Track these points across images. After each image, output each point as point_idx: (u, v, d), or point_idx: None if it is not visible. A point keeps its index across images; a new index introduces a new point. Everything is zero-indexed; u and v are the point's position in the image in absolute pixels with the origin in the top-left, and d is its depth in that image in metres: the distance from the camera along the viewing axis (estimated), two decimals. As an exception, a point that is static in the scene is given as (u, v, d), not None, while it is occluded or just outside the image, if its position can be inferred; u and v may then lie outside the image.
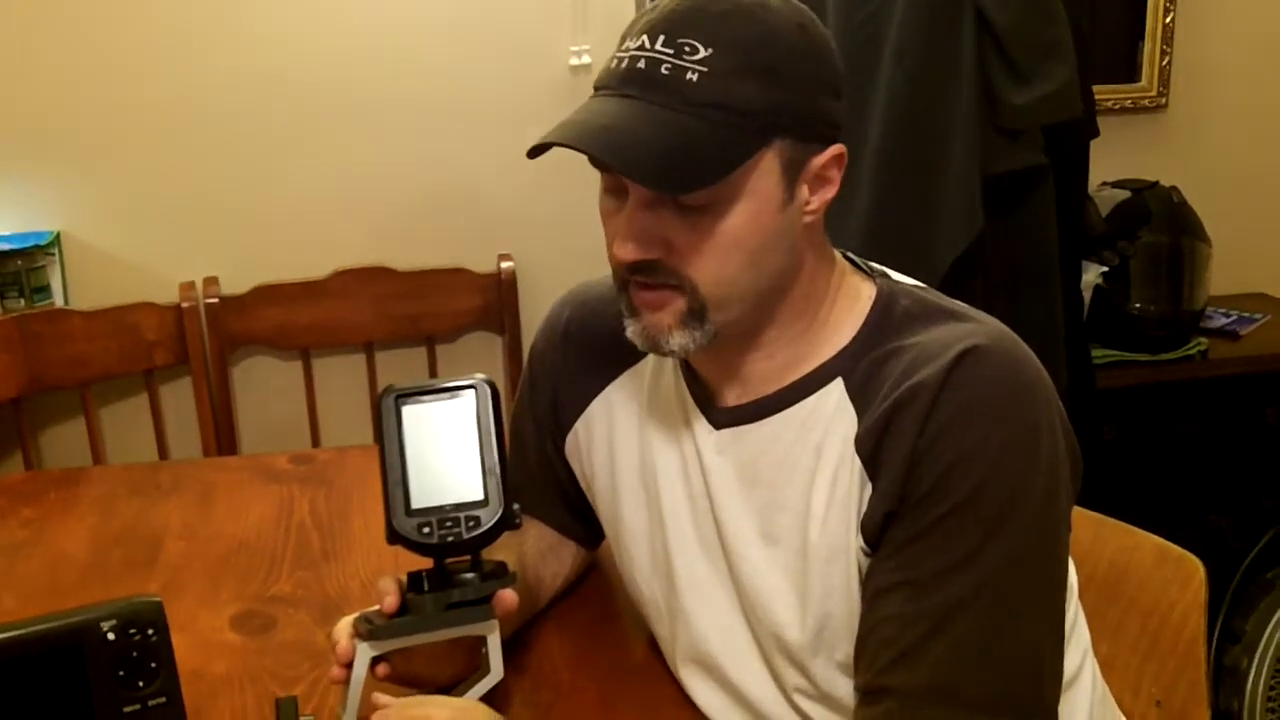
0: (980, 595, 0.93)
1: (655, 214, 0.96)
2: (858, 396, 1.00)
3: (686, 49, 0.93)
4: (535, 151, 0.96)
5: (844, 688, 1.03)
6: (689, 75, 0.93)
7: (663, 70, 0.93)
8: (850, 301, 1.05)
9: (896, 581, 0.96)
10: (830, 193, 1.02)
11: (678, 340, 0.99)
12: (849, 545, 1.00)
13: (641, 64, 0.94)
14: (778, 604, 1.05)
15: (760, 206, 0.97)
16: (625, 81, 0.95)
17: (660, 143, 0.92)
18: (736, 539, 1.07)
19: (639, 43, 0.95)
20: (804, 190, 0.99)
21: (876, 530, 0.98)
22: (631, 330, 1.02)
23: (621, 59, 0.96)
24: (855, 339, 1.03)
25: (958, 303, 1.06)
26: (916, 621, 0.95)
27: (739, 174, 0.94)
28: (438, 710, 0.97)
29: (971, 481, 0.93)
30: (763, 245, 0.98)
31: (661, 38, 0.94)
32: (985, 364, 0.95)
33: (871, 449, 0.98)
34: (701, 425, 1.09)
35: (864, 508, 0.99)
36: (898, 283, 1.08)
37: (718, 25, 0.94)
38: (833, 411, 1.01)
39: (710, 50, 0.93)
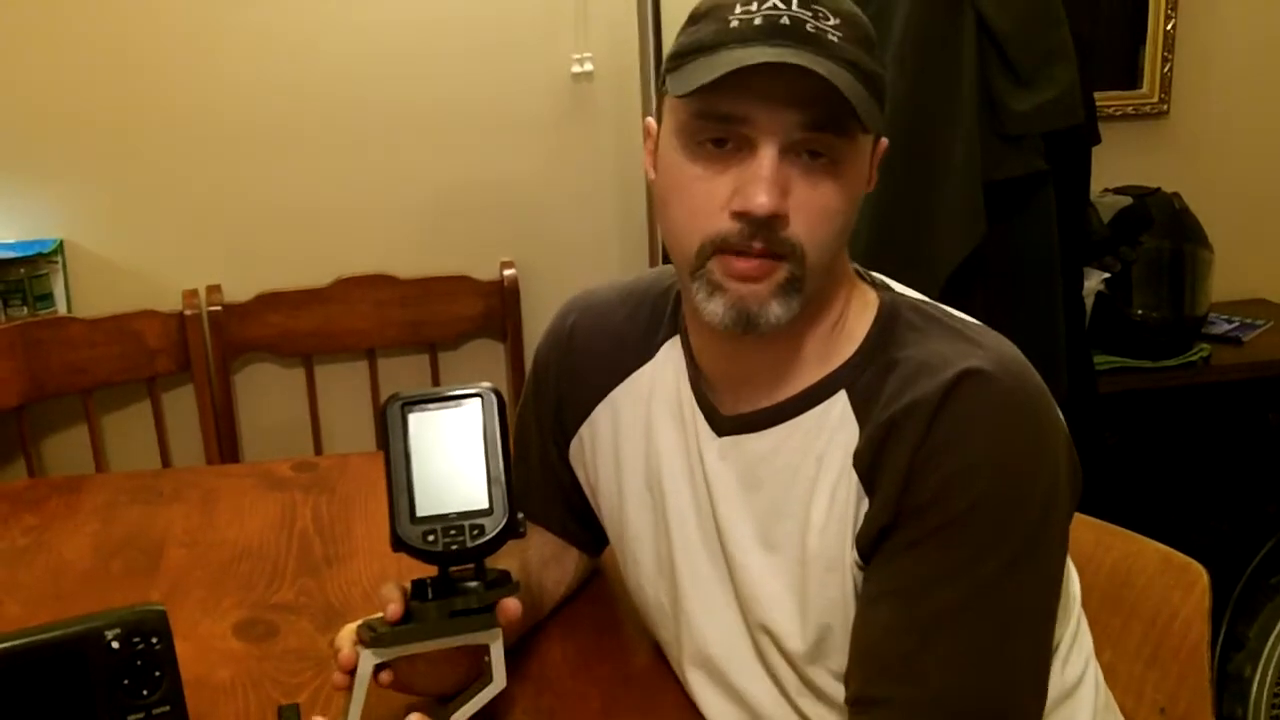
0: (970, 608, 0.94)
1: (783, 169, 0.94)
2: (861, 409, 1.00)
3: (821, 13, 0.94)
4: (720, 80, 0.91)
5: (844, 694, 1.04)
6: (830, 36, 0.94)
7: (808, 29, 0.93)
8: (859, 309, 1.06)
9: (887, 591, 0.96)
10: (871, 185, 1.03)
11: (774, 311, 0.96)
12: (845, 557, 1.00)
13: (785, 20, 0.93)
14: (777, 611, 1.05)
15: (859, 175, 0.99)
16: (771, 34, 0.93)
17: (843, 81, 0.92)
18: (737, 545, 1.07)
19: (770, 4, 0.94)
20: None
21: (870, 544, 0.98)
22: (714, 307, 0.97)
23: (751, 17, 0.94)
24: (859, 350, 1.03)
25: (960, 316, 1.05)
26: (905, 632, 0.95)
27: (862, 137, 0.96)
28: None
29: (967, 498, 0.93)
30: (851, 217, 0.99)
31: (795, 1, 0.94)
32: (985, 387, 0.95)
33: (868, 463, 0.98)
34: (705, 431, 1.09)
35: (859, 522, 0.99)
36: (900, 294, 1.08)
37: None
38: (836, 423, 1.01)
39: (838, 19, 0.95)
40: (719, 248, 0.96)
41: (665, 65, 1.01)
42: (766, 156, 0.93)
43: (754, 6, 0.94)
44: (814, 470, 1.02)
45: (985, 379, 0.95)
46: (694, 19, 0.99)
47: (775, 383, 1.05)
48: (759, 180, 0.93)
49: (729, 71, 0.90)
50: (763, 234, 0.94)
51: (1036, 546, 0.96)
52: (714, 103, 0.94)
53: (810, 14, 0.94)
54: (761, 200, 0.92)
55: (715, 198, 0.96)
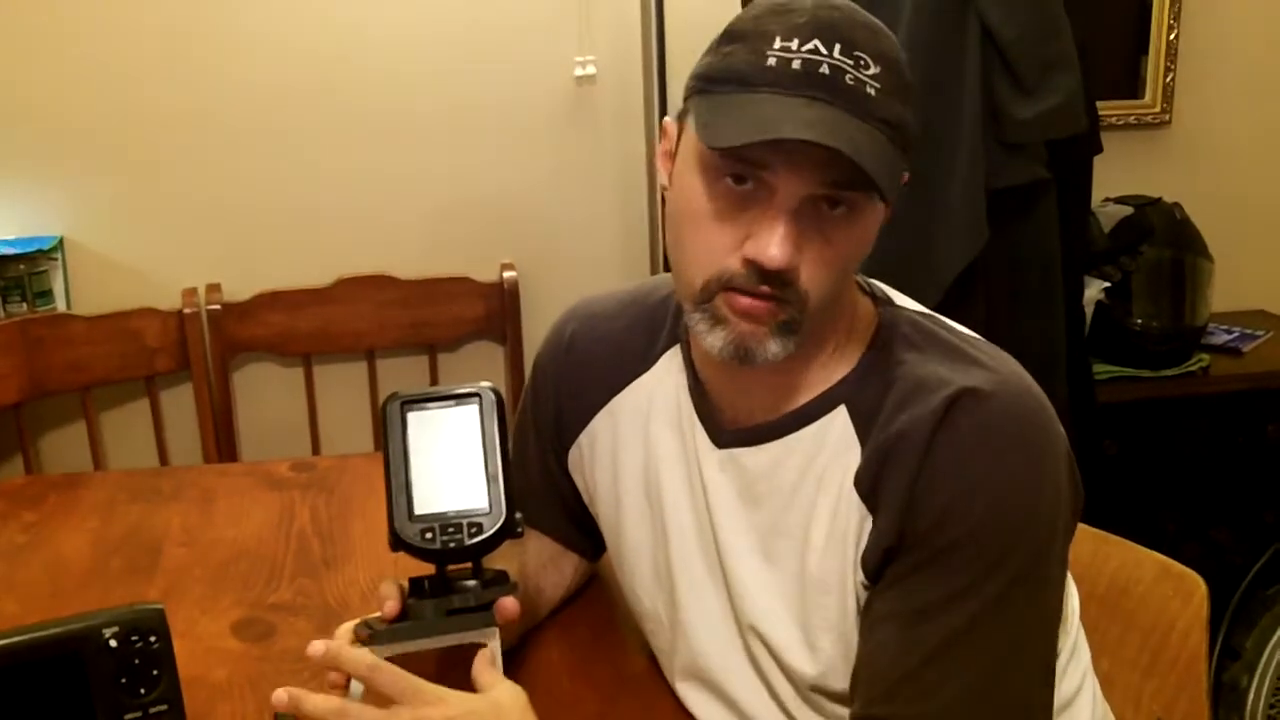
0: (974, 629, 0.93)
1: (799, 223, 0.92)
2: (861, 427, 1.00)
3: (862, 63, 0.91)
4: (750, 146, 0.89)
5: (840, 711, 1.03)
6: (868, 89, 0.91)
7: (847, 80, 0.90)
8: (858, 325, 1.05)
9: (892, 611, 0.96)
10: (888, 213, 1.01)
11: (772, 349, 0.96)
12: (846, 578, 1.00)
13: (824, 69, 0.90)
14: (773, 626, 1.05)
15: (875, 221, 0.97)
16: (808, 84, 0.90)
17: (870, 148, 0.90)
18: (734, 558, 1.07)
19: (811, 46, 0.91)
20: None
21: (877, 565, 0.98)
22: (714, 340, 0.97)
23: (790, 59, 0.91)
24: (857, 367, 1.02)
25: (960, 331, 1.05)
26: (909, 652, 0.95)
27: None
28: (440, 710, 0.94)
29: (968, 521, 0.93)
30: (861, 259, 0.99)
31: (838, 46, 0.91)
32: (981, 408, 0.94)
33: (869, 485, 0.98)
34: (704, 442, 1.09)
35: (864, 543, 0.98)
36: (899, 308, 1.07)
37: (874, 41, 0.93)
38: (836, 441, 1.01)
39: (879, 68, 0.92)
40: (726, 285, 0.95)
41: (694, 82, 0.98)
42: (784, 210, 0.92)
43: (794, 45, 0.91)
44: (813, 490, 1.02)
45: (981, 399, 0.95)
46: (729, 38, 0.96)
47: (774, 399, 1.05)
48: (774, 234, 0.91)
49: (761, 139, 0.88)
50: (771, 282, 0.94)
51: (1038, 566, 0.95)
52: (739, 148, 0.91)
53: (851, 63, 0.91)
54: (774, 254, 0.91)
55: (728, 238, 0.94)
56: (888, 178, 0.90)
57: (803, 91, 0.90)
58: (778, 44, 0.92)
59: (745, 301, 0.94)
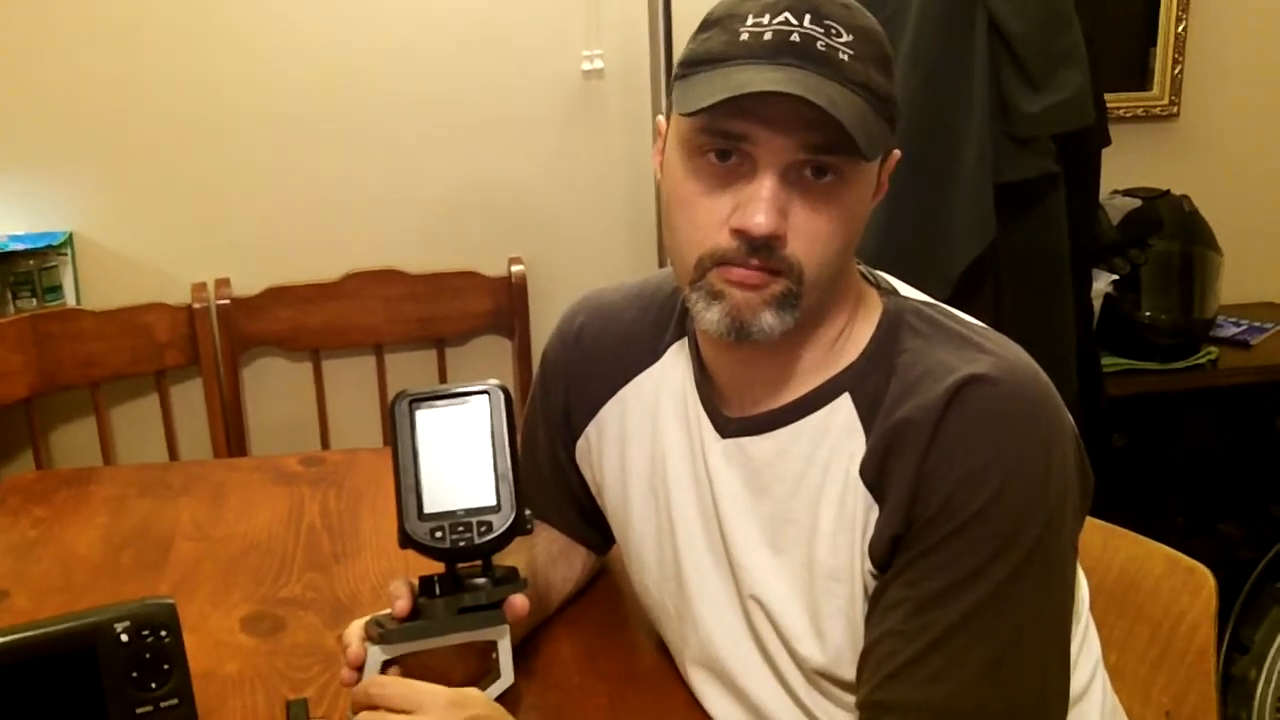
0: (982, 613, 0.93)
1: (784, 190, 0.94)
2: (866, 416, 1.00)
3: (833, 30, 0.93)
4: (722, 103, 0.91)
5: (849, 699, 1.04)
6: (840, 55, 0.93)
7: (818, 46, 0.92)
8: (864, 314, 1.05)
9: (900, 598, 0.96)
10: (882, 194, 1.03)
11: (768, 321, 0.96)
12: (854, 566, 1.00)
13: (795, 37, 0.92)
14: (782, 614, 1.05)
15: (865, 193, 0.99)
16: (780, 52, 0.92)
17: (847, 107, 0.91)
18: (740, 548, 1.07)
19: (782, 19, 0.93)
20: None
21: (885, 554, 0.98)
22: (711, 315, 0.97)
23: (761, 32, 0.93)
24: (862, 355, 1.03)
25: (965, 319, 1.05)
26: (917, 637, 0.95)
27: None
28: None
29: (974, 505, 0.93)
30: (855, 233, 0.99)
31: (808, 16, 0.93)
32: (987, 393, 0.94)
33: (875, 473, 0.98)
34: (709, 433, 1.09)
35: (871, 531, 0.99)
36: (905, 298, 1.07)
37: (846, 14, 0.95)
38: (840, 429, 1.01)
39: (851, 36, 0.94)
40: (718, 261, 0.96)
41: (675, 71, 1.01)
42: (767, 177, 0.93)
43: (765, 19, 0.94)
44: (820, 478, 1.02)
45: (987, 385, 0.95)
46: (706, 25, 0.98)
47: (779, 387, 1.05)
48: (758, 201, 0.93)
49: (732, 95, 0.90)
50: (761, 252, 0.94)
51: (1046, 551, 0.95)
52: (718, 120, 0.93)
53: (822, 30, 0.93)
54: (759, 220, 0.92)
55: (716, 213, 0.96)
56: (867, 136, 0.91)
57: (775, 59, 0.92)
58: (750, 21, 0.94)
59: (739, 272, 0.96)
